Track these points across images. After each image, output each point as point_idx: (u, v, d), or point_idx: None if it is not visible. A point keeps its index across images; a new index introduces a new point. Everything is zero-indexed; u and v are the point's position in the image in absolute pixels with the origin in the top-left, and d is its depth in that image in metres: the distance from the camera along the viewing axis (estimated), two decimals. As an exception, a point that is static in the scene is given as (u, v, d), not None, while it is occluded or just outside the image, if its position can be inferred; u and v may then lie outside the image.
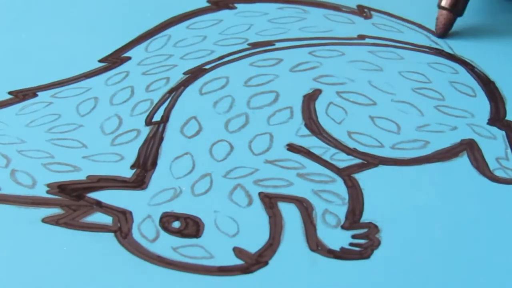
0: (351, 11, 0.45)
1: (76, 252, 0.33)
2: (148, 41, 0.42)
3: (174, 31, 0.43)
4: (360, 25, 0.44)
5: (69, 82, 0.40)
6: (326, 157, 0.37)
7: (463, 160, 0.37)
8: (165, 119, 0.38)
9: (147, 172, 0.36)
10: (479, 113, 0.39)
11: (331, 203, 0.35)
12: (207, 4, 0.45)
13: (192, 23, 0.44)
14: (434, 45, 0.43)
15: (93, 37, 0.43)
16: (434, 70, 0.41)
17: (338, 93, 0.40)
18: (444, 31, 0.43)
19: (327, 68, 0.41)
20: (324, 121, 0.38)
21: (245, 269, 0.32)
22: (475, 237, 0.34)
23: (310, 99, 0.39)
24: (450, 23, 0.43)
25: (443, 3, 0.43)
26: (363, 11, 0.45)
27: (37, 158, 0.36)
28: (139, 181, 0.35)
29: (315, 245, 0.33)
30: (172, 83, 0.40)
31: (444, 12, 0.43)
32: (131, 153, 0.37)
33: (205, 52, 0.42)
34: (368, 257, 0.33)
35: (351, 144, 0.37)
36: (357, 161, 0.37)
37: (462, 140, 0.38)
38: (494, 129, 0.38)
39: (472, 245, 0.33)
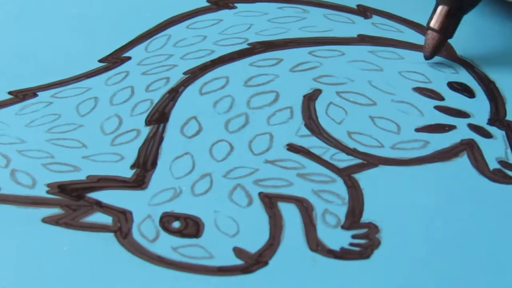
0: (351, 11, 0.45)
1: (76, 252, 0.33)
2: (148, 41, 0.42)
3: (174, 31, 0.43)
4: (360, 25, 0.44)
5: (69, 82, 0.40)
6: (326, 157, 0.37)
7: (463, 160, 0.37)
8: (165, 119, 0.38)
9: (147, 172, 0.36)
10: (479, 113, 0.39)
11: (331, 203, 0.35)
12: (207, 4, 0.45)
13: (192, 23, 0.44)
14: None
15: (93, 37, 0.43)
16: (434, 70, 0.41)
17: (338, 93, 0.40)
18: (433, 53, 0.41)
19: (327, 68, 0.41)
20: (324, 121, 0.38)
21: (245, 269, 0.32)
22: (475, 237, 0.34)
23: (310, 99, 0.39)
24: (439, 45, 0.41)
25: (432, 24, 0.41)
26: (363, 11, 0.45)
27: (37, 158, 0.36)
28: (139, 181, 0.35)
29: (315, 245, 0.33)
30: (172, 83, 0.40)
31: (433, 33, 0.41)
32: (131, 153, 0.37)
33: (205, 52, 0.42)
34: (368, 257, 0.33)
35: (351, 144, 0.37)
36: (357, 161, 0.37)
37: (462, 140, 0.38)
38: (494, 129, 0.38)
39: (472, 245, 0.33)
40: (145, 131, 0.38)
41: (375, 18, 0.45)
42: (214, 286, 0.32)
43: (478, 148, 0.37)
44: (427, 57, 0.41)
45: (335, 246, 0.33)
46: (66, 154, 0.36)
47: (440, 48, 0.41)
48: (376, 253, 0.33)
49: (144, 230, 0.34)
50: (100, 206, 0.34)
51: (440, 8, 0.41)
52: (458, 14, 0.41)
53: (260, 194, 0.35)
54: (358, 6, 0.45)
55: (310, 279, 0.32)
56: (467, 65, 0.42)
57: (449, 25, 0.41)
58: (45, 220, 0.34)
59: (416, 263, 0.33)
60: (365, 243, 0.33)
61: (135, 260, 0.33)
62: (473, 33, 0.44)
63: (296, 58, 0.41)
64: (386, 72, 0.41)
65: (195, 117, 0.38)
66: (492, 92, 0.40)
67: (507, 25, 0.45)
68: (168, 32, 0.43)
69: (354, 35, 0.43)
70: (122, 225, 0.34)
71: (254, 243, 0.33)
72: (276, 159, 0.36)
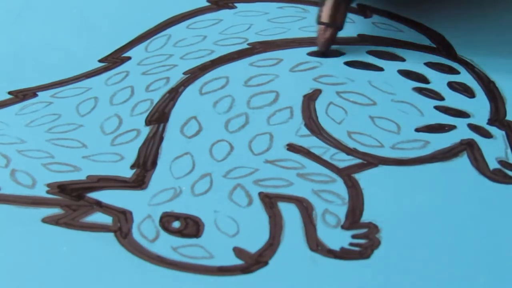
0: (351, 10, 0.45)
1: (76, 252, 0.33)
2: (148, 41, 0.42)
3: (174, 31, 0.43)
4: (360, 25, 0.44)
5: (69, 82, 0.40)
6: (326, 157, 0.37)
7: (463, 160, 0.37)
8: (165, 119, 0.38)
9: (147, 172, 0.36)
10: (479, 113, 0.39)
11: (331, 203, 0.35)
12: (207, 4, 0.45)
13: (192, 23, 0.44)
14: (434, 45, 0.43)
15: (93, 37, 0.43)
16: (434, 70, 0.41)
17: (338, 93, 0.40)
18: (327, 47, 0.41)
19: (327, 68, 0.41)
20: (324, 121, 0.38)
21: (245, 269, 0.32)
22: (475, 237, 0.34)
23: (310, 99, 0.39)
24: (332, 38, 0.41)
25: (323, 19, 0.41)
26: (363, 10, 0.45)
27: (37, 158, 0.36)
28: (139, 181, 0.35)
29: (315, 245, 0.33)
30: (172, 83, 0.40)
31: (325, 27, 0.41)
32: (131, 153, 0.37)
33: (205, 52, 0.42)
34: (368, 257, 0.33)
35: (351, 144, 0.37)
36: (357, 161, 0.37)
37: (462, 140, 0.38)
38: (494, 129, 0.38)
39: (472, 245, 0.33)
40: (145, 131, 0.38)
41: (375, 18, 0.45)
42: (214, 286, 0.32)
43: (478, 148, 0.37)
44: (322, 51, 0.42)
45: (335, 246, 0.33)
46: (66, 154, 0.36)
47: (333, 40, 0.42)
48: (376, 253, 0.33)
49: (144, 230, 0.34)
50: (100, 206, 0.34)
51: (327, 2, 0.41)
52: (344, 4, 0.41)
53: (260, 194, 0.35)
54: (358, 5, 0.45)
55: (310, 279, 0.32)
56: (467, 65, 0.42)
57: (338, 17, 0.41)
58: (45, 220, 0.34)
59: (416, 263, 0.33)
60: (365, 243, 0.33)
61: (135, 260, 0.33)
62: (473, 33, 0.44)
63: (296, 58, 0.41)
64: (386, 72, 0.41)
65: (195, 117, 0.38)
66: (492, 92, 0.40)
67: (507, 25, 0.45)
68: (168, 32, 0.43)
69: (354, 35, 0.43)
70: (122, 225, 0.34)
71: (254, 243, 0.33)
72: (276, 159, 0.36)
